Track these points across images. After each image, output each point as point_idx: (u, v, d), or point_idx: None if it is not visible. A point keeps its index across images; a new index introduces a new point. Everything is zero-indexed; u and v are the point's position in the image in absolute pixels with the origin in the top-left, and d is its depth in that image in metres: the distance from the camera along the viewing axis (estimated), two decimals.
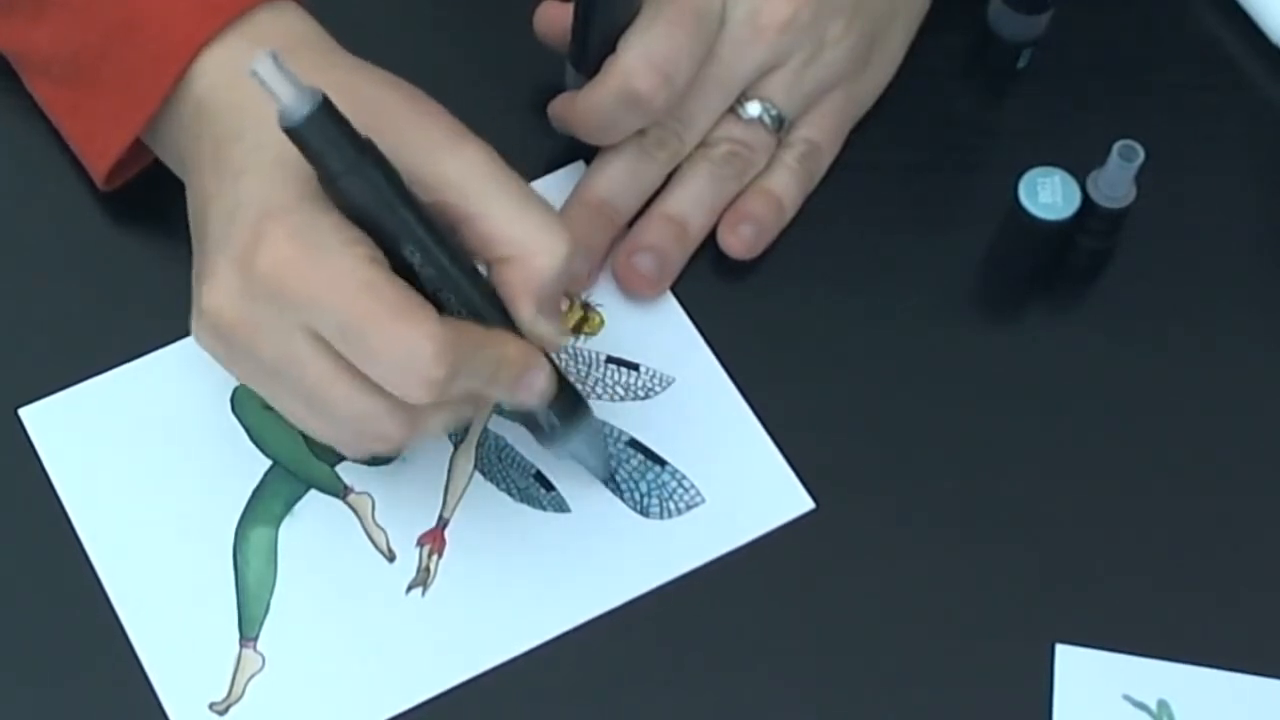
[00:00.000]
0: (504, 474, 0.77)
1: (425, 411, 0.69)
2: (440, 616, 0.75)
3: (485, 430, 0.78)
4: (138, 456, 0.77)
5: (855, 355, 0.80)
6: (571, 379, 0.75)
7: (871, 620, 0.76)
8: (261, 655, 0.74)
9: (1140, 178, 0.80)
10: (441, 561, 0.76)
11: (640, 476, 0.77)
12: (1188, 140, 0.85)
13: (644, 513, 0.76)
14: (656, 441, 0.78)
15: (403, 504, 0.77)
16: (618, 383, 0.79)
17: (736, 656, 0.75)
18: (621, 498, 0.77)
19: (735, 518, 0.77)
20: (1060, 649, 0.75)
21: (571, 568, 0.76)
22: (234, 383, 0.77)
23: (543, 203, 0.70)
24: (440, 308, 0.68)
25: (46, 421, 0.77)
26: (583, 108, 0.78)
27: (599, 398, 0.79)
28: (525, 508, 0.77)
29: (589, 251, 0.79)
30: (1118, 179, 0.79)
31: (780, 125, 0.81)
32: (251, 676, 0.73)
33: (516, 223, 0.69)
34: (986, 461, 0.79)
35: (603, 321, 0.80)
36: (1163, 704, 0.74)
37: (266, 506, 0.76)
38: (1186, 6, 0.89)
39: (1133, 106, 0.85)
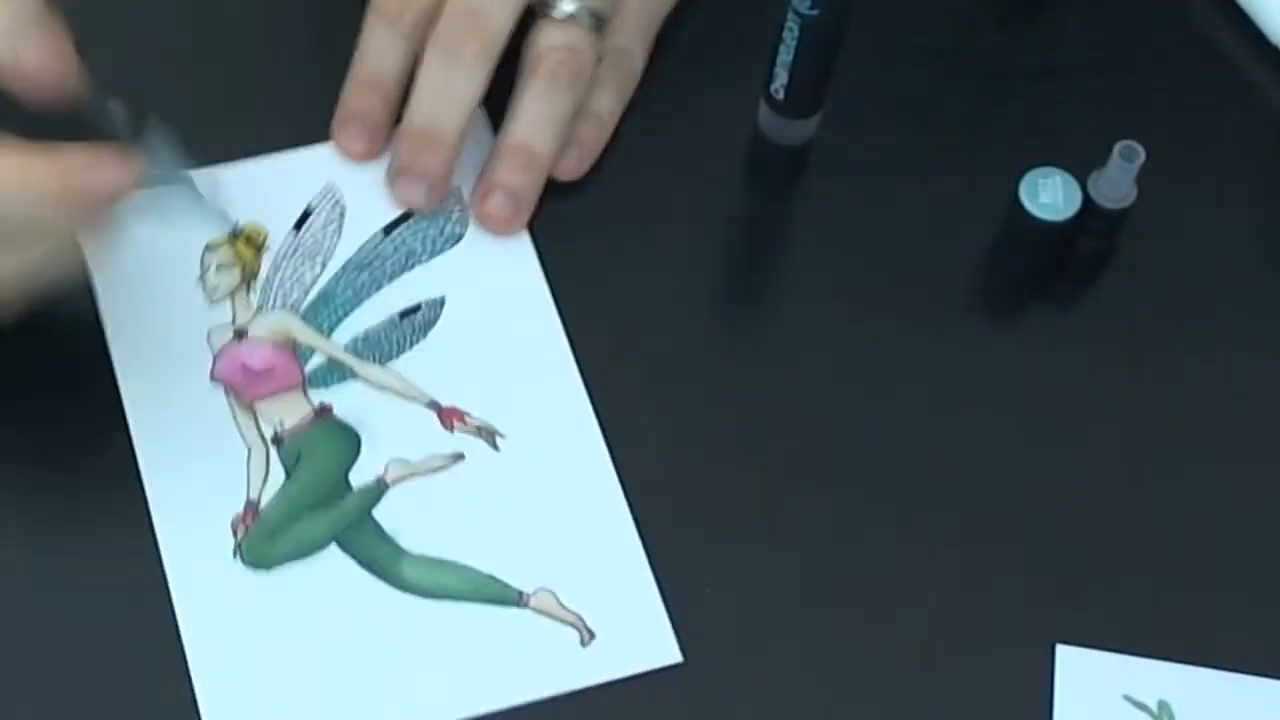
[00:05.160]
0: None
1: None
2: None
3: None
4: None
5: (854, 356, 0.80)
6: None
7: (871, 622, 0.75)
8: None
9: (1140, 178, 0.80)
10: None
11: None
12: (1188, 141, 0.85)
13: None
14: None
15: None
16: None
17: (734, 662, 0.75)
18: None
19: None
20: (1061, 649, 0.75)
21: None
22: None
23: None
24: None
25: None
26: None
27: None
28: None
29: (368, 122, 0.81)
30: (1118, 179, 0.80)
31: (599, 25, 0.81)
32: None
33: None
34: (986, 462, 0.79)
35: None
36: (1163, 705, 0.74)
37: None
38: (1187, 7, 0.89)
39: (1133, 107, 0.85)
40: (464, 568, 0.75)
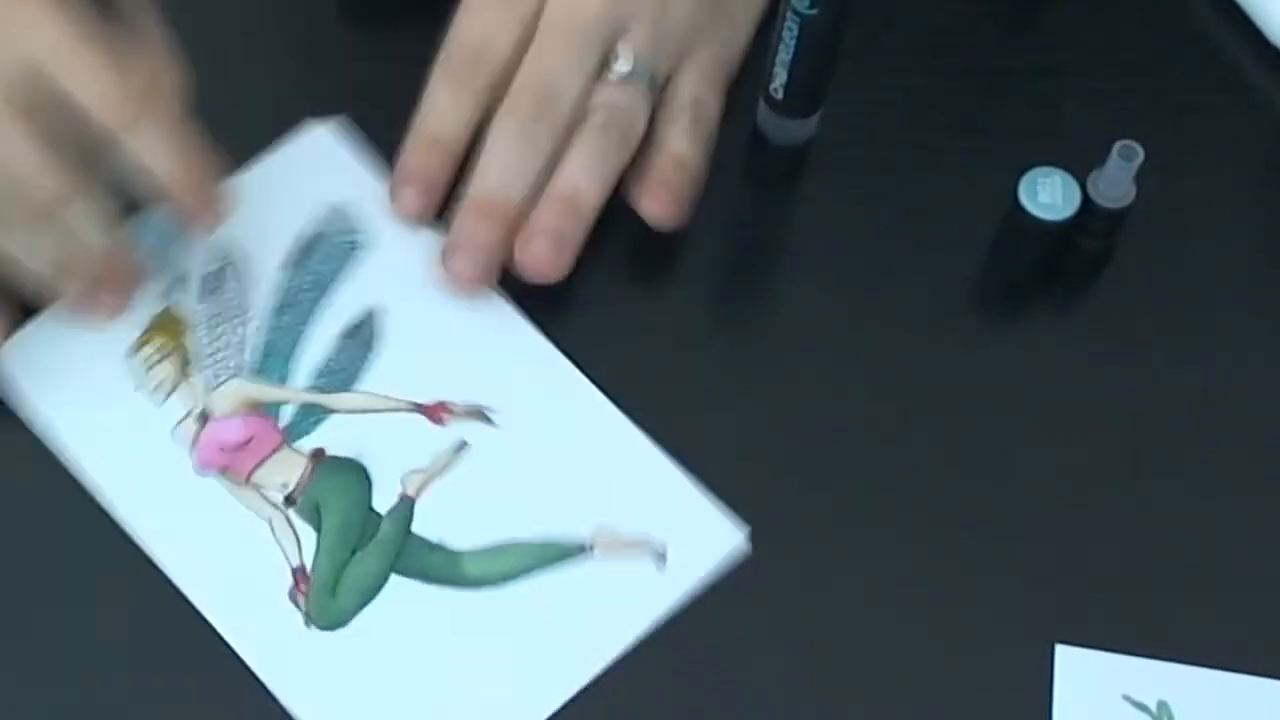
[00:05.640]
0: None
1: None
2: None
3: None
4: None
5: (854, 356, 0.80)
6: None
7: (871, 622, 0.76)
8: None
9: (1140, 178, 0.80)
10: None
11: None
12: (1187, 140, 0.85)
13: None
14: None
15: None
16: None
17: (731, 658, 0.75)
18: None
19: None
20: (1060, 649, 0.75)
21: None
22: None
23: None
24: None
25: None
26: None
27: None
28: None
29: (428, 183, 0.79)
30: (1118, 179, 0.80)
31: (652, 83, 0.80)
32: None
33: None
34: (986, 461, 0.79)
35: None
36: (1163, 705, 0.74)
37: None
38: (1187, 7, 0.89)
39: (1133, 106, 0.86)
40: (519, 544, 0.75)
